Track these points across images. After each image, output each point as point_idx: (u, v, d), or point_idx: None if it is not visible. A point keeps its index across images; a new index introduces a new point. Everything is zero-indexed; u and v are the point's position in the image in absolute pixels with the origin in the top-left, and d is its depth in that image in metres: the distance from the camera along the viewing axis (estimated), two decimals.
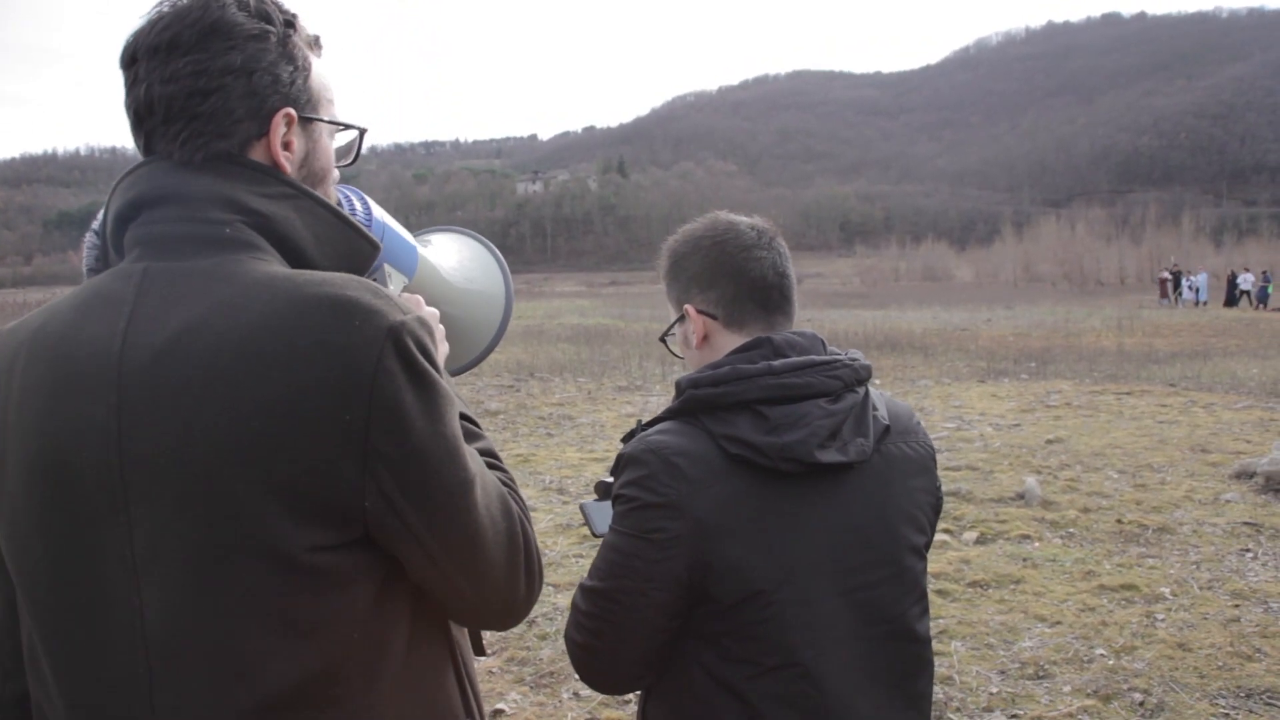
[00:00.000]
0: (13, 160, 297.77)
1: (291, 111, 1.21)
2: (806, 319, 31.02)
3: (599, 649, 1.51)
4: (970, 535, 6.47)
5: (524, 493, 7.51)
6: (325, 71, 1.30)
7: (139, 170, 1.19)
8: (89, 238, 1.37)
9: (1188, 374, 15.37)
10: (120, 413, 1.05)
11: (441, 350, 1.29)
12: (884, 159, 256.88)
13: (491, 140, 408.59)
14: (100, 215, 1.29)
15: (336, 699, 1.11)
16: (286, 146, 1.21)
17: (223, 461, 1.03)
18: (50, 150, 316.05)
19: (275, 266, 1.13)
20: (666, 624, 1.46)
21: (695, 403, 1.48)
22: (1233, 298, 39.58)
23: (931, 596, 5.28)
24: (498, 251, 1.71)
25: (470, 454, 1.17)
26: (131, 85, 1.17)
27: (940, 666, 4.40)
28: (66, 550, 1.08)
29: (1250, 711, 3.97)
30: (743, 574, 1.42)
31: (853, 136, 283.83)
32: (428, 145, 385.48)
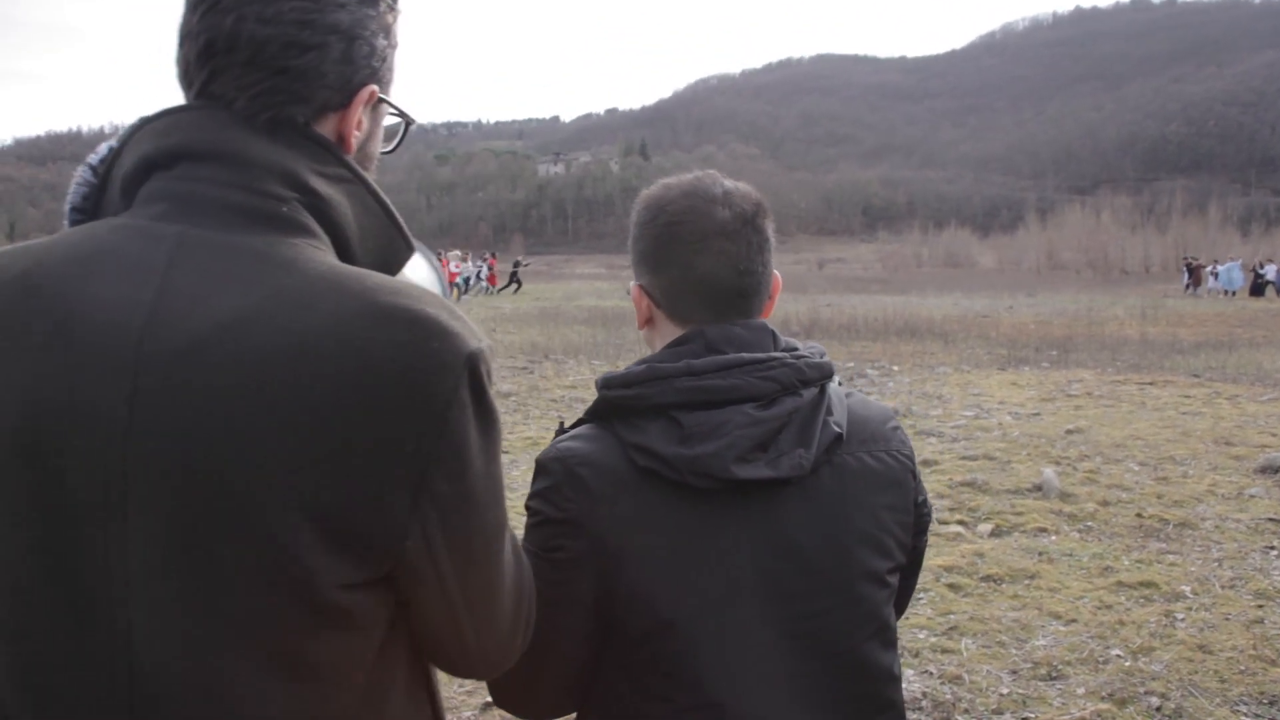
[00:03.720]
0: (38, 138, 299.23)
1: (376, 89, 1.09)
2: (826, 304, 30.88)
3: (512, 673, 1.33)
4: (985, 527, 6.30)
5: (528, 477, 7.45)
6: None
7: (184, 114, 1.03)
8: (81, 172, 1.18)
9: (1212, 364, 15.11)
10: (134, 401, 0.90)
11: None
12: (907, 144, 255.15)
13: (514, 121, 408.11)
14: (103, 150, 1.12)
15: None
16: (358, 125, 1.09)
17: (260, 477, 0.89)
18: (75, 128, 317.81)
19: (332, 258, 0.99)
20: (579, 651, 1.30)
21: (607, 406, 1.31)
22: (1258, 288, 38.95)
23: (943, 591, 5.14)
24: (435, 261, 1.61)
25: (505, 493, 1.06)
26: (208, 12, 1.00)
27: (949, 665, 4.26)
28: (41, 547, 0.92)
29: None
30: (649, 602, 1.25)
31: (876, 121, 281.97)
32: (450, 126, 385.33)
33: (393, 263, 1.11)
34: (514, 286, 40.08)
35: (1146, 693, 4.00)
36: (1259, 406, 11.06)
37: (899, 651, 1.43)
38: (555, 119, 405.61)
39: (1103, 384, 13.02)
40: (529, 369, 14.23)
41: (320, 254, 0.99)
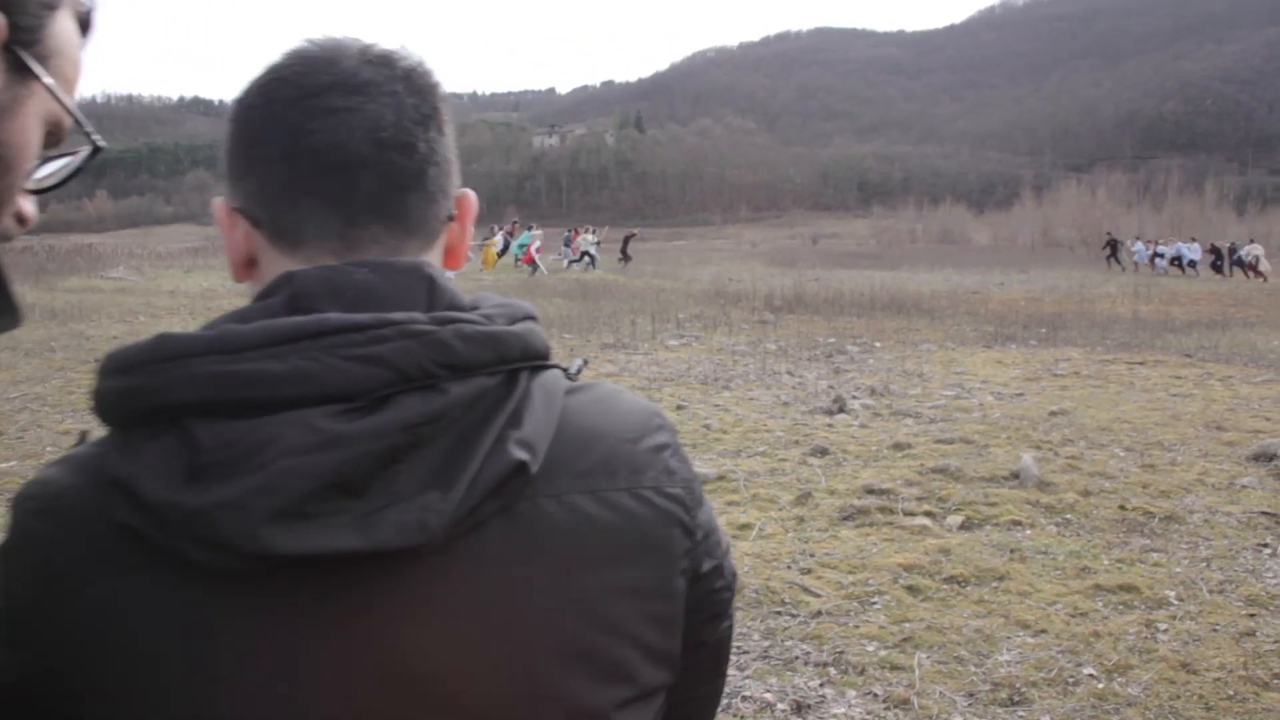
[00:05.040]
0: None
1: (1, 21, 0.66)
2: (813, 278, 30.22)
3: None
4: (955, 519, 5.79)
5: None
6: (79, 48, 0.78)
7: None
8: None
9: (1205, 344, 14.61)
10: None
11: None
12: (904, 119, 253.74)
13: (509, 93, 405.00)
14: None
15: None
16: None
17: None
18: None
19: None
20: None
21: (100, 405, 0.72)
22: (1217, 265, 37.57)
23: (901, 595, 4.62)
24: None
25: None
26: None
27: (898, 686, 3.74)
28: None
29: None
30: None
31: (873, 96, 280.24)
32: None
33: None
34: (625, 260, 36.83)
35: None
36: (1252, 389, 10.56)
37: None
38: (551, 91, 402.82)
39: (1091, 363, 12.51)
40: None
41: None
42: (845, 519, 5.77)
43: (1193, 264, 37.91)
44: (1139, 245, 41.91)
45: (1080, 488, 6.44)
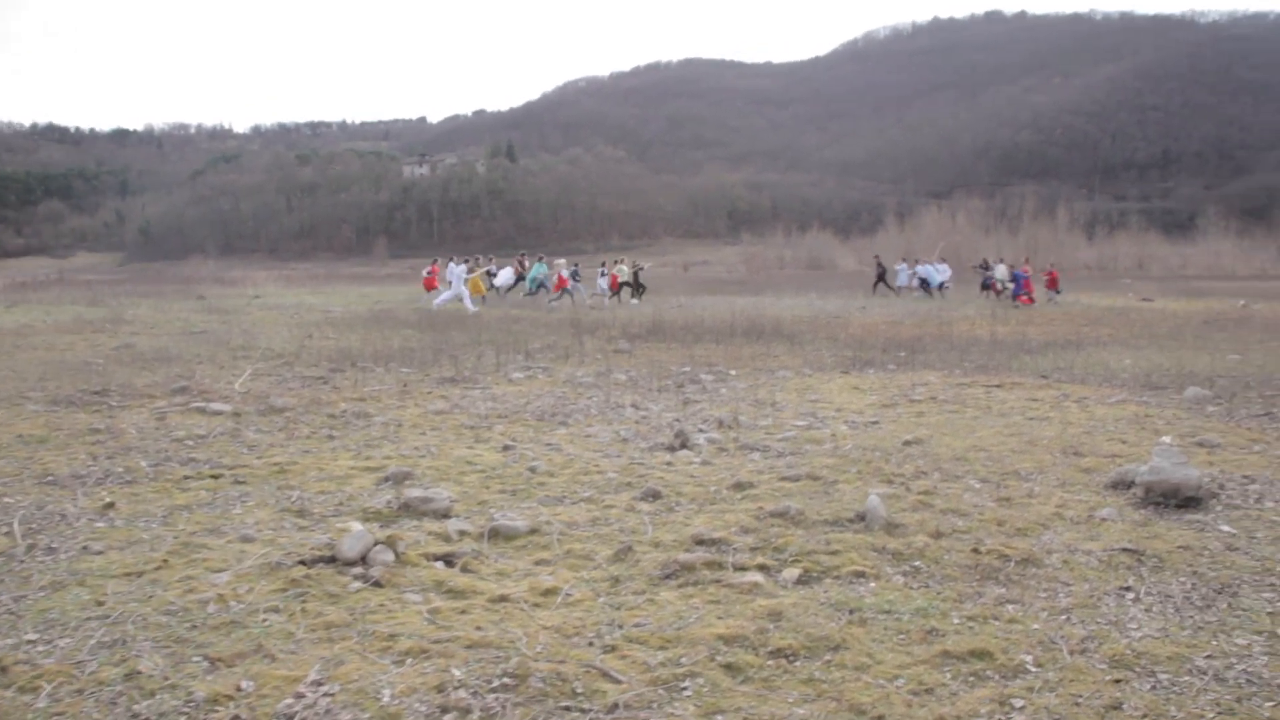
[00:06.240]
0: None
1: None
2: (676, 304, 29.78)
3: None
4: (791, 574, 5.08)
5: (256, 515, 5.55)
6: None
7: None
8: None
9: (1060, 364, 14.48)
10: None
11: None
12: (772, 148, 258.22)
13: (380, 122, 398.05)
14: None
15: None
16: None
17: None
18: None
19: None
20: None
21: None
22: (986, 283, 37.78)
23: (718, 676, 3.86)
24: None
25: None
26: None
27: None
28: None
29: None
30: None
31: (742, 125, 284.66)
32: (314, 126, 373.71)
33: None
34: (638, 292, 34.58)
35: None
36: (1108, 410, 10.28)
37: None
38: (422, 120, 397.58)
39: (948, 387, 12.14)
40: (324, 379, 12.59)
41: None
42: (667, 577, 5.02)
43: (941, 286, 38.00)
44: (902, 266, 41.58)
45: (931, 528, 5.84)
